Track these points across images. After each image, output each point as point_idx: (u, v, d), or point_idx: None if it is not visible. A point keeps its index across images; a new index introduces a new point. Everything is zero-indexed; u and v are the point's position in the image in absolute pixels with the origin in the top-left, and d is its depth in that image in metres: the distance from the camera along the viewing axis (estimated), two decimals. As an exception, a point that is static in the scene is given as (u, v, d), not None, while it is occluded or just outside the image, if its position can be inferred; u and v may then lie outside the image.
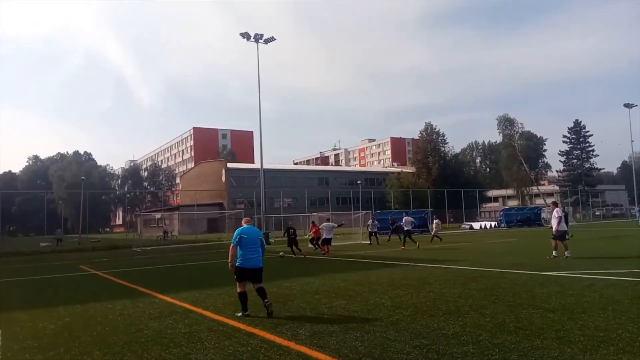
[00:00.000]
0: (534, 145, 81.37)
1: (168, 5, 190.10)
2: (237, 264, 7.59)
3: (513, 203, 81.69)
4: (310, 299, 8.83)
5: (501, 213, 52.34)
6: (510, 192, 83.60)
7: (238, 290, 7.60)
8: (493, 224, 49.78)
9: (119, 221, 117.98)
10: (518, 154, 77.40)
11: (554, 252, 14.56)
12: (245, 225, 7.77)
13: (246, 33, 34.17)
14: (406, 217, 23.46)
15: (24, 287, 13.54)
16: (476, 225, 48.35)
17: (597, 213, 69.81)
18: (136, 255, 25.50)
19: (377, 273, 12.80)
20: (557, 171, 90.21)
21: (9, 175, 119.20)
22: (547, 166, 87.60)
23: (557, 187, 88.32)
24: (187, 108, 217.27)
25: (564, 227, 14.75)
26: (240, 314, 7.47)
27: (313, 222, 25.70)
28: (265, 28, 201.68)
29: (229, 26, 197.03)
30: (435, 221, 27.96)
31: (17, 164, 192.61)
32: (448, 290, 9.21)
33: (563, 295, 8.21)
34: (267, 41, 34.96)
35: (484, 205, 75.40)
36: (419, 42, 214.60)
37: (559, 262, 13.64)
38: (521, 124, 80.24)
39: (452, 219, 57.14)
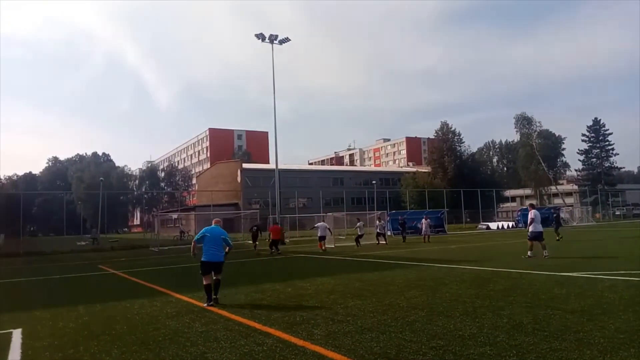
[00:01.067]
0: (552, 144, 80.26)
1: (185, 8, 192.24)
2: (202, 259, 8.81)
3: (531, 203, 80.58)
4: (326, 299, 8.83)
5: (519, 213, 51.64)
6: (528, 191, 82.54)
7: (204, 283, 8.68)
8: (510, 224, 49.16)
9: (136, 221, 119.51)
10: (536, 152, 76.39)
11: (529, 252, 15.04)
12: (212, 225, 9.22)
13: (261, 34, 34.30)
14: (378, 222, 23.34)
15: (45, 286, 13.79)
16: (493, 225, 47.83)
17: (617, 213, 68.46)
18: (153, 254, 25.81)
19: (393, 273, 12.75)
20: (576, 170, 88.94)
21: (29, 176, 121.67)
22: (566, 165, 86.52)
23: (575, 187, 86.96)
24: (204, 109, 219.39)
25: (538, 228, 15.15)
26: (206, 305, 8.47)
27: (276, 222, 25.96)
28: (281, 29, 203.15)
29: (245, 28, 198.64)
30: (424, 221, 28.95)
31: (37, 166, 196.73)
32: (465, 291, 9.13)
33: (582, 296, 8.08)
34: (281, 42, 35.04)
35: (501, 205, 74.53)
36: (434, 41, 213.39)
37: (576, 262, 13.43)
38: (539, 122, 79.36)
39: (468, 219, 56.61)
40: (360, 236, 25.45)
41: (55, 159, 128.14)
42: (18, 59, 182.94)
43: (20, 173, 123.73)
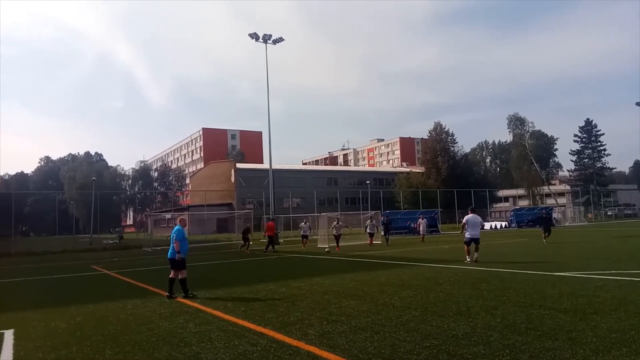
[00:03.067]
0: (544, 145, 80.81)
1: (178, 6, 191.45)
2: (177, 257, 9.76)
3: (524, 203, 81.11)
4: (320, 299, 8.83)
5: (512, 213, 51.98)
6: (520, 192, 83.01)
7: (171, 276, 9.81)
8: (503, 224, 49.44)
9: (129, 221, 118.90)
10: (529, 153, 76.84)
11: (467, 258, 14.61)
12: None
13: (255, 34, 34.28)
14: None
15: (37, 286, 13.70)
16: (487, 225, 48.04)
17: (609, 213, 69.01)
18: (147, 255, 25.69)
19: (387, 273, 12.77)
20: (568, 171, 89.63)
21: (21, 176, 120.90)
22: (558, 166, 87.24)
23: (568, 187, 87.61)
24: (197, 109, 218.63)
25: (473, 234, 14.50)
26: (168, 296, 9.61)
27: (271, 219, 25.94)
28: (275, 28, 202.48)
29: (239, 27, 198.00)
30: (422, 221, 29.65)
31: (28, 165, 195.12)
32: (458, 291, 9.17)
33: (574, 295, 8.14)
34: (275, 42, 35.04)
35: (494, 205, 74.94)
36: (428, 41, 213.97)
37: (568, 262, 13.52)
38: (532, 123, 79.87)
39: (462, 219, 56.76)
40: (339, 236, 24.65)
41: (47, 158, 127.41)
42: (10, 57, 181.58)
43: (12, 172, 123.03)
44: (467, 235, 14.55)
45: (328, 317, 7.23)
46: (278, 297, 9.42)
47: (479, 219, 15.05)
